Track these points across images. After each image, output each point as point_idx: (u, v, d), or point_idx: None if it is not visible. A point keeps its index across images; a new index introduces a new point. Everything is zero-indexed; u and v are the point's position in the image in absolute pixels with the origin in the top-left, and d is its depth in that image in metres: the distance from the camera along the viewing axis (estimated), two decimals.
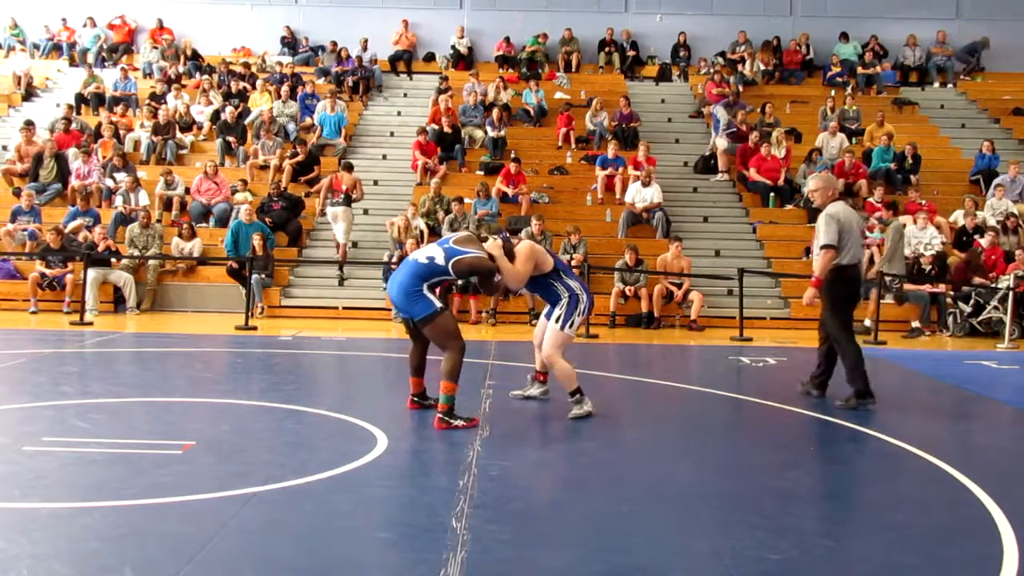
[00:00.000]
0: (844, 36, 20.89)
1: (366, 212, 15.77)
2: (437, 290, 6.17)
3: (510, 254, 6.35)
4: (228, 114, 17.07)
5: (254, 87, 18.43)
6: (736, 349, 10.87)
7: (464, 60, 20.94)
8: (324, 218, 15.69)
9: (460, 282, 6.40)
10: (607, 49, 21.24)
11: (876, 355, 10.77)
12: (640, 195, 15.26)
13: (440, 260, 6.06)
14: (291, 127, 17.43)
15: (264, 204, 14.64)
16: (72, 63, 21.00)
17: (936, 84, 20.87)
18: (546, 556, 3.78)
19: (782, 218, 15.85)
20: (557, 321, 6.39)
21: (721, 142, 17.00)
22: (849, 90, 19.69)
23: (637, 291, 13.20)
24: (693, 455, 5.73)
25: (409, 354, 6.60)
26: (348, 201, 14.27)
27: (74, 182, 15.16)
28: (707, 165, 17.19)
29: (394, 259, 13.43)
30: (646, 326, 13.05)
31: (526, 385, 7.09)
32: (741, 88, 19.40)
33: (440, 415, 6.01)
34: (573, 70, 20.95)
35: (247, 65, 19.59)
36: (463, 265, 6.11)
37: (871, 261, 14.14)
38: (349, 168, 14.83)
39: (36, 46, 21.33)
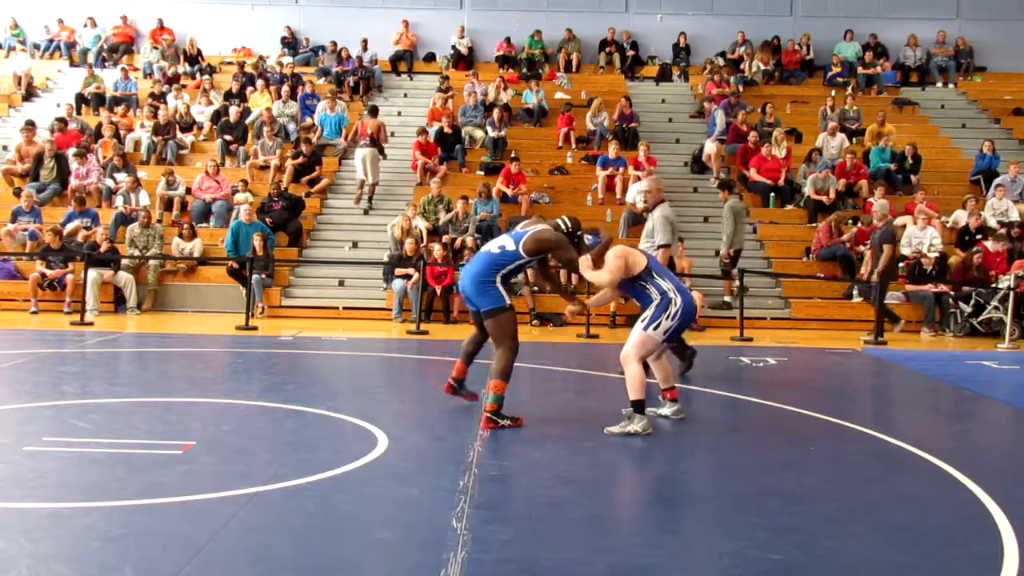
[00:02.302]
0: (849, 34, 20.87)
1: (366, 212, 15.78)
2: (509, 284, 6.16)
3: (599, 258, 6.11)
4: (232, 114, 17.06)
5: (255, 87, 18.43)
6: (736, 349, 10.86)
7: (464, 60, 20.93)
8: (324, 218, 15.74)
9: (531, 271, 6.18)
10: (608, 49, 21.24)
11: (877, 355, 10.78)
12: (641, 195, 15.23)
13: (510, 246, 6.09)
14: (291, 127, 17.43)
15: (264, 204, 14.64)
16: (72, 63, 21.00)
17: (938, 84, 20.87)
18: (546, 556, 3.78)
19: (782, 218, 15.85)
20: (643, 321, 6.00)
21: (711, 146, 16.90)
22: (849, 90, 19.68)
23: None
24: (693, 455, 5.73)
25: (467, 340, 6.55)
26: (374, 143, 15.49)
27: (74, 182, 15.17)
28: (700, 166, 17.17)
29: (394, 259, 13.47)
30: None
31: (658, 404, 6.51)
32: (741, 88, 19.40)
33: (488, 414, 5.99)
34: (573, 70, 20.95)
35: (255, 67, 19.56)
36: (530, 242, 6.05)
37: (873, 261, 14.16)
38: (374, 112, 16.16)
39: (36, 46, 21.32)
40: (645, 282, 6.01)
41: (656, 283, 5.98)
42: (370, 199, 15.68)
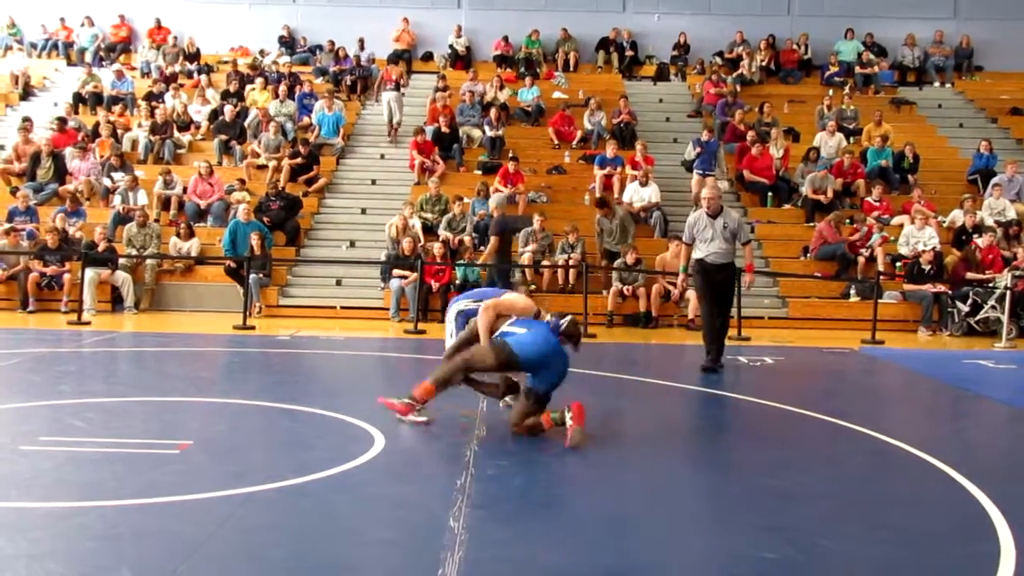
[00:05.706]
0: (850, 32, 20.86)
1: (364, 212, 15.77)
2: None
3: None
4: (227, 113, 17.04)
5: (253, 84, 18.41)
6: (734, 349, 10.84)
7: (462, 60, 20.93)
8: (322, 217, 15.74)
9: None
10: (608, 48, 21.23)
11: (875, 355, 10.78)
12: (638, 194, 15.25)
13: None
14: (289, 127, 17.41)
15: (262, 204, 14.62)
16: (70, 62, 20.97)
17: (935, 84, 20.87)
18: (544, 556, 3.78)
19: (780, 217, 15.85)
20: None
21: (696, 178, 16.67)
22: (847, 90, 19.68)
23: (635, 290, 13.20)
24: (692, 455, 5.73)
25: None
26: (397, 87, 17.79)
27: (73, 184, 15.14)
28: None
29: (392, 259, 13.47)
30: (644, 325, 13.05)
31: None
32: (739, 88, 19.41)
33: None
34: (571, 70, 20.95)
35: (254, 68, 19.52)
36: None
37: (869, 260, 14.17)
38: (395, 60, 19.04)
39: (34, 45, 21.29)
40: None
41: None
42: (397, 130, 17.76)
